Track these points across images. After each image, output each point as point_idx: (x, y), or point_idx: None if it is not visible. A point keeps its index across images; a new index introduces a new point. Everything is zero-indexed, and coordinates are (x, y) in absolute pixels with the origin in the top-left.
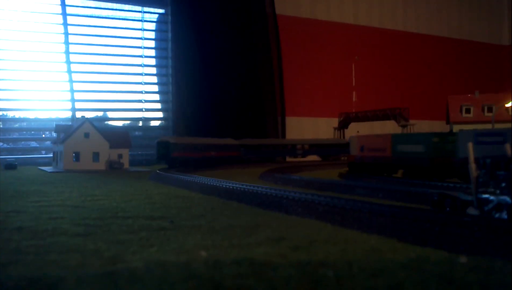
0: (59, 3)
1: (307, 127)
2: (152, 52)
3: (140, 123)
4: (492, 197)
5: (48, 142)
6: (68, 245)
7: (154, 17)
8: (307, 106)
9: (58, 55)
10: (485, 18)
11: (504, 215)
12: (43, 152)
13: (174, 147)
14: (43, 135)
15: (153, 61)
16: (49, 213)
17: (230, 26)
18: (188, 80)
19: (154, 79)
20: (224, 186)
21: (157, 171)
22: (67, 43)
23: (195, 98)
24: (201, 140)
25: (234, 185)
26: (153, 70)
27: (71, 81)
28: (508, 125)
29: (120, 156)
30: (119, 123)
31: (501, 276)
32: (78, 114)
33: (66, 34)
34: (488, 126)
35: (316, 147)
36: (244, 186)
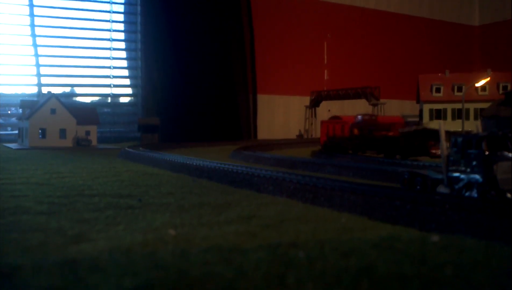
0: None
1: (278, 105)
2: (121, 26)
3: (109, 100)
4: (462, 176)
5: (13, 119)
6: (31, 223)
7: None
8: (279, 84)
9: (24, 28)
10: None
11: (474, 194)
12: (9, 128)
13: None
14: (9, 111)
15: (122, 36)
16: (12, 191)
17: (201, 1)
18: (158, 55)
19: (123, 54)
20: (194, 163)
21: (126, 148)
22: (32, 15)
23: (165, 74)
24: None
25: (204, 163)
26: (122, 45)
27: (37, 55)
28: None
29: (87, 133)
30: (87, 99)
31: (473, 255)
32: (44, 90)
33: (31, 5)
34: (458, 106)
35: None
36: (215, 164)
